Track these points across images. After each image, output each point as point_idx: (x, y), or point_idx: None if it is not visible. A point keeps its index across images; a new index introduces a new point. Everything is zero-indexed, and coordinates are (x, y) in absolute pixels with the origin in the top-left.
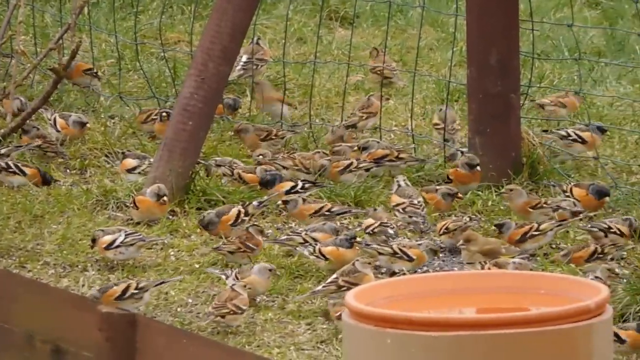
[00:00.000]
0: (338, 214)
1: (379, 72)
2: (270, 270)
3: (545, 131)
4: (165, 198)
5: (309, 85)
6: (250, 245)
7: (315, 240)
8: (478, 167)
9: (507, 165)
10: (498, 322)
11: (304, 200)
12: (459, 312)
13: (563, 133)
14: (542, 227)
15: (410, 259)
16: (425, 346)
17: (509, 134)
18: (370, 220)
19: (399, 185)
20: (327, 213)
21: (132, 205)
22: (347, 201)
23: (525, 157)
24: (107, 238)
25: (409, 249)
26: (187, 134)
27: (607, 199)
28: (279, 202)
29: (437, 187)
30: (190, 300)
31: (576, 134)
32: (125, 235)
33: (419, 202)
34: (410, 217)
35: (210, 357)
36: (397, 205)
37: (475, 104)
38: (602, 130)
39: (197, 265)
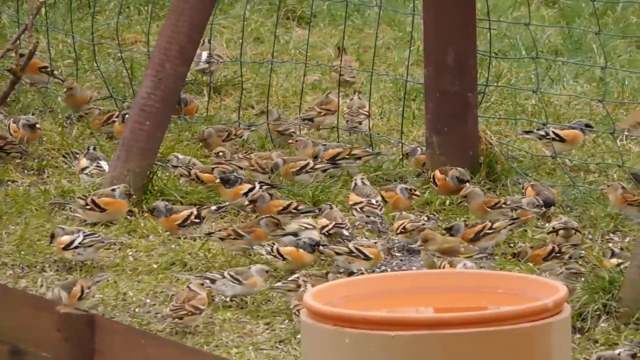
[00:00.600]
0: (303, 213)
1: (336, 71)
2: (267, 271)
3: (528, 132)
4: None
5: (267, 85)
6: (242, 233)
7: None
8: (467, 184)
9: (464, 164)
10: (456, 322)
11: (271, 196)
12: (417, 311)
13: (542, 133)
14: (495, 225)
15: (367, 258)
16: (384, 345)
17: (466, 133)
18: (324, 221)
19: (357, 184)
20: (294, 211)
21: (92, 207)
22: (305, 201)
23: (483, 156)
24: (66, 238)
25: (365, 248)
26: (144, 134)
27: (552, 208)
28: (246, 202)
29: (396, 186)
30: (148, 301)
31: (555, 133)
32: (84, 236)
33: (377, 201)
34: (368, 216)
35: (169, 357)
36: (355, 204)
37: (432, 103)
38: (588, 127)
39: (155, 266)
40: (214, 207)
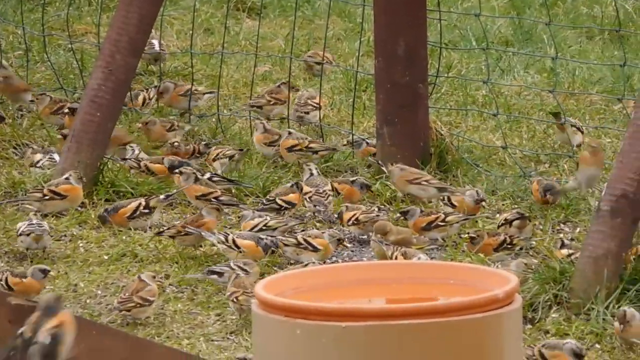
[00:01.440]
0: (225, 204)
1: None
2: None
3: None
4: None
5: (217, 76)
6: (191, 230)
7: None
8: (483, 203)
9: (415, 155)
10: (407, 313)
11: (197, 179)
12: (369, 302)
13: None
14: (448, 218)
15: (316, 250)
16: (335, 336)
17: (417, 124)
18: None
19: (311, 174)
20: (213, 200)
21: (52, 196)
22: (255, 192)
23: (434, 147)
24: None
25: (314, 240)
26: (95, 125)
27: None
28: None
29: (352, 178)
30: (99, 292)
31: None
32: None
33: (324, 191)
34: (315, 206)
35: (120, 348)
36: (305, 194)
37: (383, 94)
38: (555, 115)
39: (106, 257)
40: (162, 196)
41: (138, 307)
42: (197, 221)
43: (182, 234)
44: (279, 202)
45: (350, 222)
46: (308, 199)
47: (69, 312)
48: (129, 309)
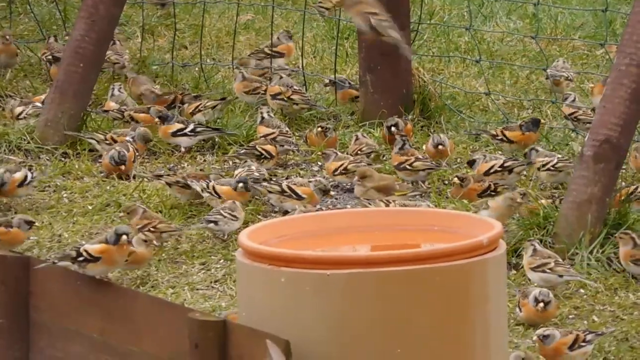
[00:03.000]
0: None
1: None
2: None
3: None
4: None
5: (199, 26)
6: (187, 182)
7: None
8: (441, 147)
9: (398, 102)
10: (391, 259)
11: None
12: (353, 249)
13: (493, 132)
14: (415, 164)
15: (300, 197)
16: (319, 284)
17: (399, 71)
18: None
19: (263, 117)
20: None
21: None
22: (239, 141)
23: (417, 94)
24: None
25: (298, 187)
26: (78, 76)
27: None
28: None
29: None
30: (83, 242)
31: (503, 133)
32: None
33: (287, 131)
34: (282, 146)
35: (104, 298)
36: (266, 135)
37: (365, 42)
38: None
39: (90, 207)
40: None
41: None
42: (200, 176)
43: (181, 184)
44: (259, 149)
45: (338, 172)
46: (273, 140)
47: None
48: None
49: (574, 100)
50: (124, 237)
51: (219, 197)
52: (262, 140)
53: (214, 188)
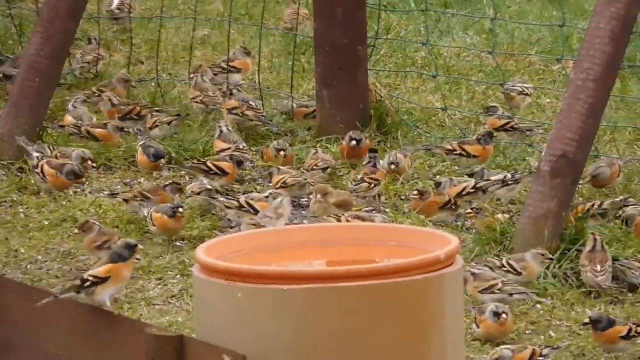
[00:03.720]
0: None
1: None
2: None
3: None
4: None
5: (156, 41)
6: (147, 194)
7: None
8: (393, 167)
9: (355, 117)
10: (348, 275)
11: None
12: (310, 265)
13: (449, 147)
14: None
15: (257, 212)
16: (277, 299)
17: (356, 86)
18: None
19: (222, 131)
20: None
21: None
22: (195, 156)
23: (374, 109)
24: None
25: (256, 203)
26: (33, 91)
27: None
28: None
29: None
30: (40, 257)
31: (462, 148)
32: None
33: (244, 147)
34: (251, 121)
35: (61, 313)
36: (222, 151)
37: (322, 57)
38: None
39: (46, 223)
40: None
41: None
42: (156, 191)
43: (139, 199)
44: (210, 165)
45: (279, 185)
46: (231, 157)
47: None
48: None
49: (502, 113)
50: (138, 247)
51: (153, 224)
52: (218, 156)
53: (151, 216)
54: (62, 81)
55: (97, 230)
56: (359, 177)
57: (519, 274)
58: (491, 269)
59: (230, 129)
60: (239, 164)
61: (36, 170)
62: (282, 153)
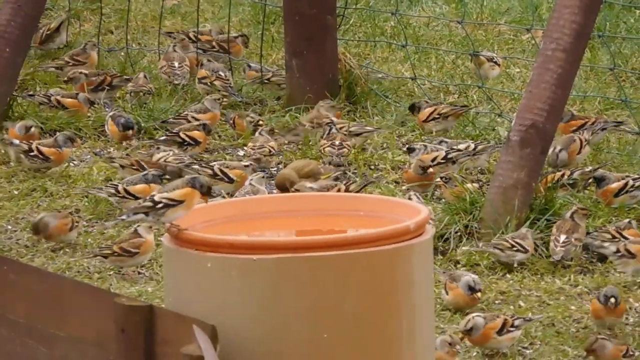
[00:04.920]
0: None
1: None
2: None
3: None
4: None
5: (125, 10)
6: (143, 164)
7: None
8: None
9: (324, 87)
10: (317, 244)
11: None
12: (279, 234)
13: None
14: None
15: (231, 181)
16: (246, 269)
17: (325, 56)
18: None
19: (202, 64)
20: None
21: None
22: (165, 126)
23: (343, 79)
24: None
25: (230, 170)
26: (4, 61)
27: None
28: None
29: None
30: (9, 227)
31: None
32: None
33: (226, 75)
34: (219, 91)
35: (31, 283)
36: (203, 78)
37: (291, 26)
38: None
39: (16, 192)
40: None
41: (116, 256)
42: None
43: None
44: (182, 136)
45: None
46: (209, 84)
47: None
48: (106, 255)
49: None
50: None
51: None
52: (188, 126)
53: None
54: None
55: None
56: (336, 143)
57: (527, 251)
58: (501, 250)
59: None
60: (208, 131)
61: (31, 154)
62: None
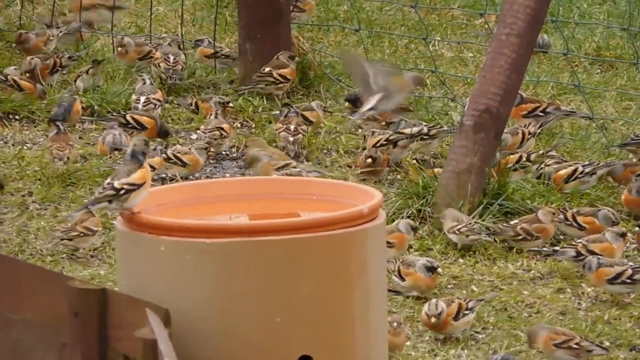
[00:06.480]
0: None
1: None
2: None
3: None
4: None
5: None
6: None
7: None
8: None
9: None
10: (270, 228)
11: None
12: (232, 218)
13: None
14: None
15: (185, 165)
16: (199, 252)
17: (279, 40)
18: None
19: (144, 82)
20: None
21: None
22: (117, 108)
23: (296, 63)
24: None
25: (183, 155)
26: None
27: None
28: None
29: (212, 96)
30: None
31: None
32: None
33: (175, 58)
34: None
35: None
36: (157, 59)
37: (245, 10)
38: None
39: None
40: None
41: (81, 237)
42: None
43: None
44: (128, 118)
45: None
46: (159, 65)
47: None
48: (71, 238)
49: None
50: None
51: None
52: (138, 110)
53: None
54: None
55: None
56: (291, 127)
57: (537, 237)
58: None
59: (152, 81)
60: (165, 134)
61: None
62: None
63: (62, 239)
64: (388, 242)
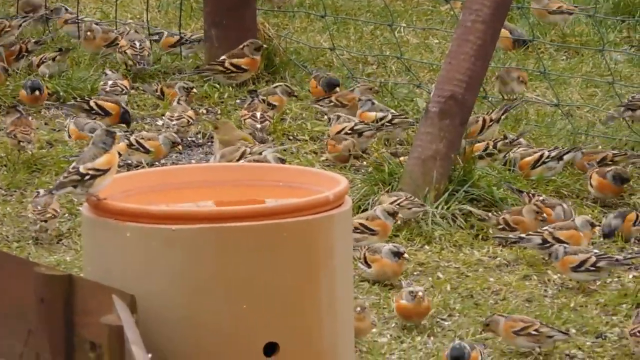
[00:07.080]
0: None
1: None
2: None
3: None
4: None
5: None
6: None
7: None
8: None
9: None
10: (236, 215)
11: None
12: (197, 205)
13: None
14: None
15: (147, 151)
16: (165, 239)
17: (244, 26)
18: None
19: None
20: None
21: None
22: (83, 95)
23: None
24: None
25: (146, 142)
26: None
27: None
28: None
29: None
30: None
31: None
32: None
33: (141, 45)
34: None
35: None
36: (123, 47)
37: None
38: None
39: None
40: None
41: (53, 218)
42: None
43: None
44: (92, 104)
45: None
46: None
47: None
48: (46, 220)
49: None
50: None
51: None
52: (104, 97)
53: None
54: None
55: None
56: (257, 115)
57: (514, 229)
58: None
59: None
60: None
61: None
62: (193, 91)
63: (41, 221)
64: (371, 230)
